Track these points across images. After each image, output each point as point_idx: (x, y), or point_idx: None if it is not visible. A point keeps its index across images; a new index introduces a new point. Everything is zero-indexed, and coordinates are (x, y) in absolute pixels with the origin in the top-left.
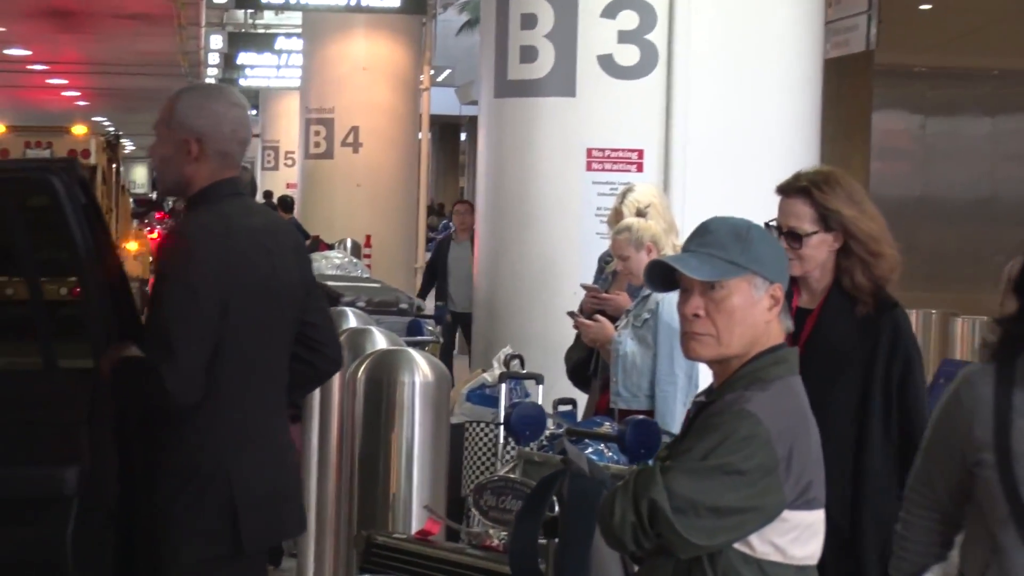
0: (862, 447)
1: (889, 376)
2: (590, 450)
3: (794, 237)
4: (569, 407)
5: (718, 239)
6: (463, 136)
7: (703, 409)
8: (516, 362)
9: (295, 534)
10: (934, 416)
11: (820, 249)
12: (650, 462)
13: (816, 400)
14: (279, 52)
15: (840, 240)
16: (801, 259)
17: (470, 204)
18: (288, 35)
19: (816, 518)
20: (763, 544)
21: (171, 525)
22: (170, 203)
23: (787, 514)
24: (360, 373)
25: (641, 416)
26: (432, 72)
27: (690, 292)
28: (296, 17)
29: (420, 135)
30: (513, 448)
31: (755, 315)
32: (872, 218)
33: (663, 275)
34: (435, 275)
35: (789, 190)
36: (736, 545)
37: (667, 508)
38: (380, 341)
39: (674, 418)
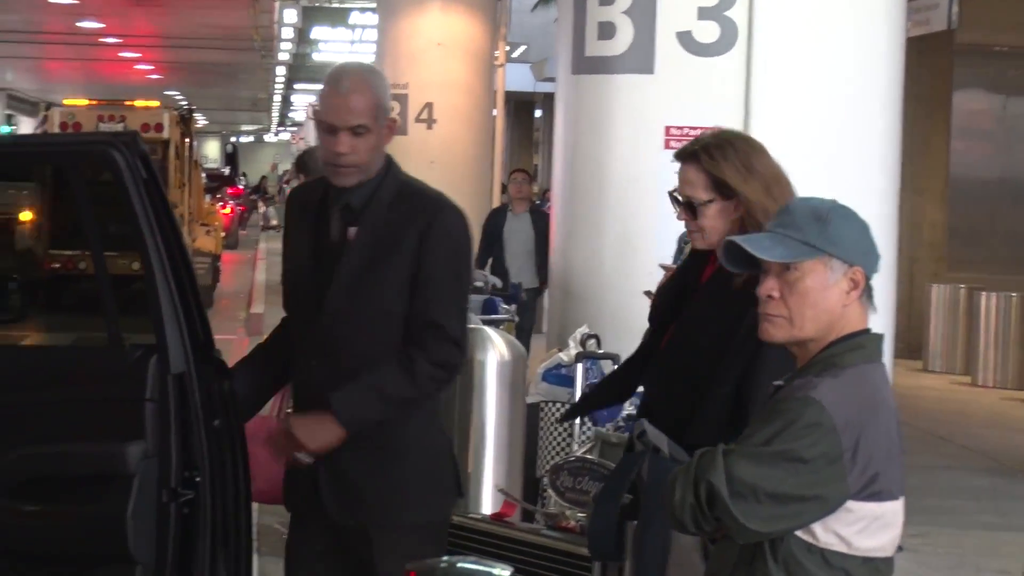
0: (693, 420)
1: (739, 352)
2: None
3: (690, 207)
4: None
5: (795, 220)
6: (538, 113)
7: (776, 393)
8: (592, 342)
9: None
10: None
11: (720, 219)
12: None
13: (677, 370)
14: (353, 27)
15: (742, 208)
16: (701, 231)
17: (527, 173)
18: (362, 10)
19: (886, 510)
20: (826, 534)
21: (416, 489)
22: (243, 179)
23: (852, 504)
24: None
25: None
26: (507, 48)
27: (767, 273)
28: None
29: (495, 112)
30: (589, 428)
31: (830, 299)
32: (769, 187)
33: (744, 255)
34: (491, 249)
35: (683, 155)
36: (798, 533)
37: (725, 492)
38: None
39: None
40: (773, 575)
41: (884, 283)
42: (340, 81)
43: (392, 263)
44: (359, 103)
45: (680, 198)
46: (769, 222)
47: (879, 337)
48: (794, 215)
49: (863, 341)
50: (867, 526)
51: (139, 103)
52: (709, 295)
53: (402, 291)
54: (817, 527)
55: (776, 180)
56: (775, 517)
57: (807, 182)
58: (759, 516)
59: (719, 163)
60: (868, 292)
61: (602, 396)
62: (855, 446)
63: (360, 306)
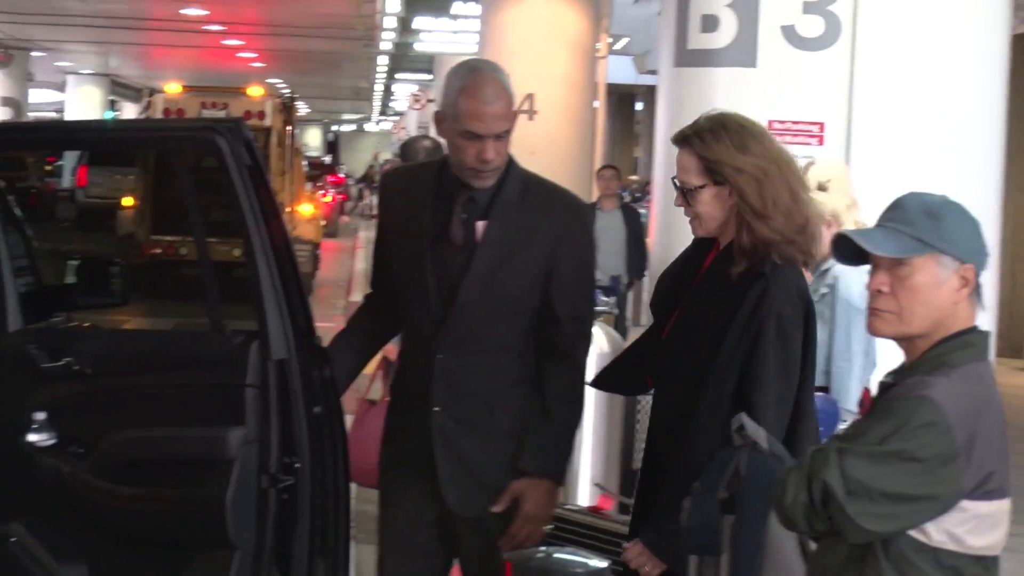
0: (694, 410)
1: (735, 351)
2: None
3: (684, 192)
4: None
5: (907, 215)
6: (639, 106)
7: (887, 391)
8: None
9: None
10: None
11: (715, 205)
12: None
13: (678, 361)
14: (455, 17)
15: (736, 194)
16: (697, 217)
17: (616, 169)
18: (465, 0)
19: (996, 508)
20: (939, 533)
21: None
22: (344, 168)
23: (965, 504)
24: None
25: (818, 392)
26: (609, 40)
27: (878, 267)
28: None
29: (596, 104)
30: None
31: (941, 295)
32: (765, 172)
33: (856, 249)
34: None
35: (677, 140)
36: (911, 532)
37: (840, 491)
38: None
39: (848, 394)
40: (885, 574)
41: (987, 281)
42: (482, 90)
43: (526, 257)
44: (503, 109)
45: (677, 184)
46: (882, 216)
47: (987, 335)
48: (906, 210)
49: (973, 339)
50: (978, 524)
51: (242, 90)
52: (707, 285)
53: (534, 285)
54: (930, 526)
55: (777, 164)
56: (889, 516)
57: (910, 177)
58: (873, 515)
59: (711, 146)
60: (977, 290)
61: (610, 380)
62: (970, 445)
63: (492, 300)
